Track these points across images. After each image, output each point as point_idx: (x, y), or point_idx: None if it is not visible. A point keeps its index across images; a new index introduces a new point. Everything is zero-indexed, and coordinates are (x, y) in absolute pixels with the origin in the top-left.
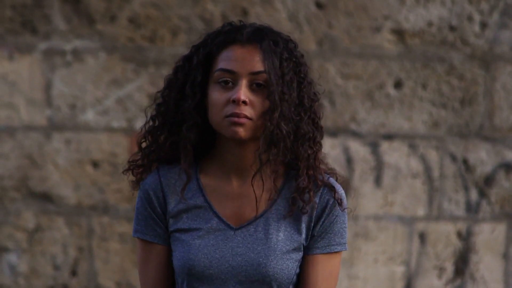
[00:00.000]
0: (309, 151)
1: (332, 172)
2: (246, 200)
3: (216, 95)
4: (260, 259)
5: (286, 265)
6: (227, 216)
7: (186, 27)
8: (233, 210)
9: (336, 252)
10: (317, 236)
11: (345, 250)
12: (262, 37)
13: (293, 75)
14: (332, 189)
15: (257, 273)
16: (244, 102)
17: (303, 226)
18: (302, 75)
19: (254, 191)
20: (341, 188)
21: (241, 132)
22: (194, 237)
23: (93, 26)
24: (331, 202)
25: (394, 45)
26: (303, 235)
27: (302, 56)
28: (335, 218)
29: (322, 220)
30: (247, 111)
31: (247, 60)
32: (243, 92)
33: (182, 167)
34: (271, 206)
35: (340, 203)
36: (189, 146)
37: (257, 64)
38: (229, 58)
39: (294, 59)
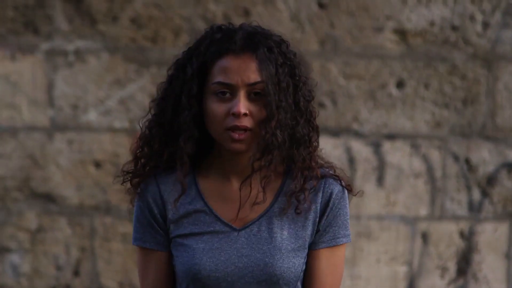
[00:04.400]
0: (304, 153)
1: (330, 166)
2: (246, 202)
3: (215, 107)
4: (267, 259)
5: (293, 263)
6: (229, 218)
7: (188, 28)
8: (234, 212)
9: (341, 244)
10: (322, 230)
11: (349, 241)
12: (256, 45)
13: (289, 80)
14: (335, 178)
15: (264, 273)
16: (245, 114)
17: (309, 222)
18: (297, 78)
19: (240, 197)
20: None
21: (242, 147)
22: (197, 242)
23: (95, 26)
24: (333, 196)
25: (396, 45)
26: (309, 232)
27: (295, 54)
28: (338, 211)
29: (327, 214)
30: (247, 122)
31: (243, 70)
32: (242, 105)
33: (178, 178)
34: (272, 205)
35: (349, 189)
36: (186, 157)
37: (253, 74)
38: (225, 70)
39: (288, 62)
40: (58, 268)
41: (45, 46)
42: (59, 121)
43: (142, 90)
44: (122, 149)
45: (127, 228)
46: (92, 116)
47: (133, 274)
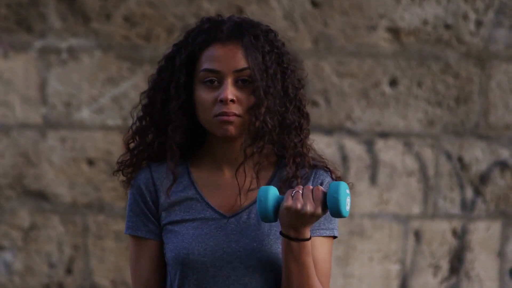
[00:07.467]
0: (295, 140)
1: (321, 160)
2: (237, 190)
3: (203, 95)
4: (254, 244)
5: (280, 249)
6: (219, 206)
7: (182, 26)
8: (225, 200)
9: (325, 237)
10: None
11: (334, 236)
12: (242, 33)
13: (276, 67)
14: (326, 170)
15: (252, 258)
16: (232, 101)
17: None
18: (285, 65)
19: (238, 183)
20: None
21: (232, 130)
22: (188, 228)
23: (88, 24)
24: (323, 186)
25: (390, 44)
26: None
27: (283, 44)
28: None
29: None
30: (235, 108)
31: (230, 58)
32: (229, 91)
33: (169, 168)
34: None
35: (340, 179)
36: (175, 146)
37: (240, 61)
38: (212, 58)
39: (276, 50)
40: (51, 266)
41: (38, 44)
42: (52, 118)
43: (135, 88)
44: (115, 147)
45: (120, 226)
46: (85, 114)
47: (126, 272)
